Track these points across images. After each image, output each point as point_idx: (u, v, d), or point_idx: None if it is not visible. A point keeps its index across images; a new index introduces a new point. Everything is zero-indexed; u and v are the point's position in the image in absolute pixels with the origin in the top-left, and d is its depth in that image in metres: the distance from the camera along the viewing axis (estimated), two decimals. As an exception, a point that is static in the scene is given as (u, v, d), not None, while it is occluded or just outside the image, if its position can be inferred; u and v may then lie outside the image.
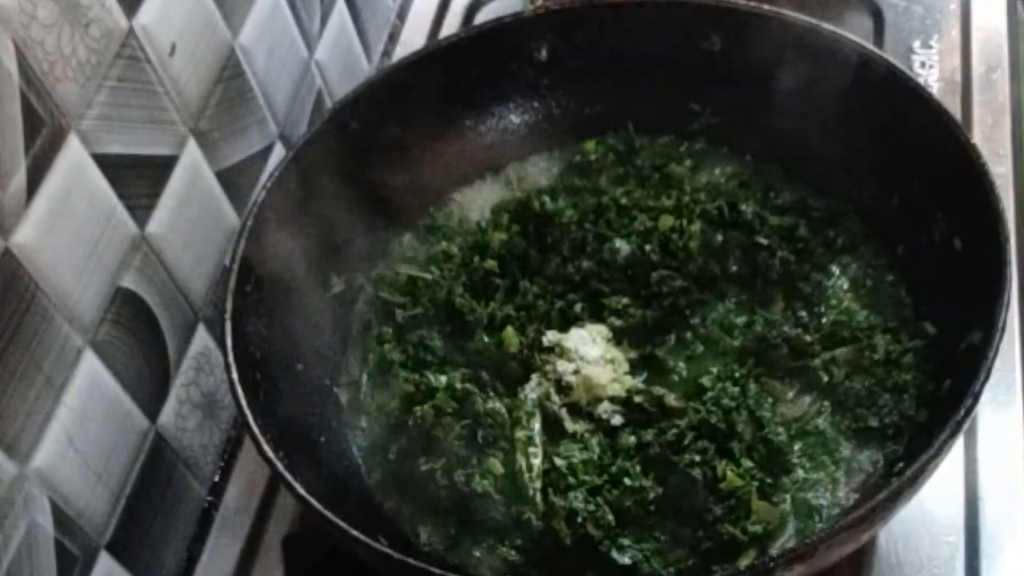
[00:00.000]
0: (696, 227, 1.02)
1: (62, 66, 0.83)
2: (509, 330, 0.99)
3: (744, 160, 1.11)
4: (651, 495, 0.88)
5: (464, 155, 1.14)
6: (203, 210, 1.03)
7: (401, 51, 1.38)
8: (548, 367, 0.97)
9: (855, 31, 1.07)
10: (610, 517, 0.87)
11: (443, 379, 0.96)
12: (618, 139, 1.14)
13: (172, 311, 0.99)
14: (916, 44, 1.25)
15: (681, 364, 0.98)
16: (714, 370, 0.96)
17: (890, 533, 0.92)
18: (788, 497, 0.88)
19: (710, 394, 0.92)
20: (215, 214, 1.06)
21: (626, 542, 0.87)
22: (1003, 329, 0.82)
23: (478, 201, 1.14)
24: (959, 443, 0.92)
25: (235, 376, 0.88)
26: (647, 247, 1.02)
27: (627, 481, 0.88)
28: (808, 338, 0.96)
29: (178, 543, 1.02)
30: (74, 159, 0.85)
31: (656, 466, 0.89)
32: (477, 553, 0.90)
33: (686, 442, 0.89)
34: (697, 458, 0.88)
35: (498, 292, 1.03)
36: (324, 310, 1.04)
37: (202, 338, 1.04)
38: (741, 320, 1.00)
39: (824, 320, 0.98)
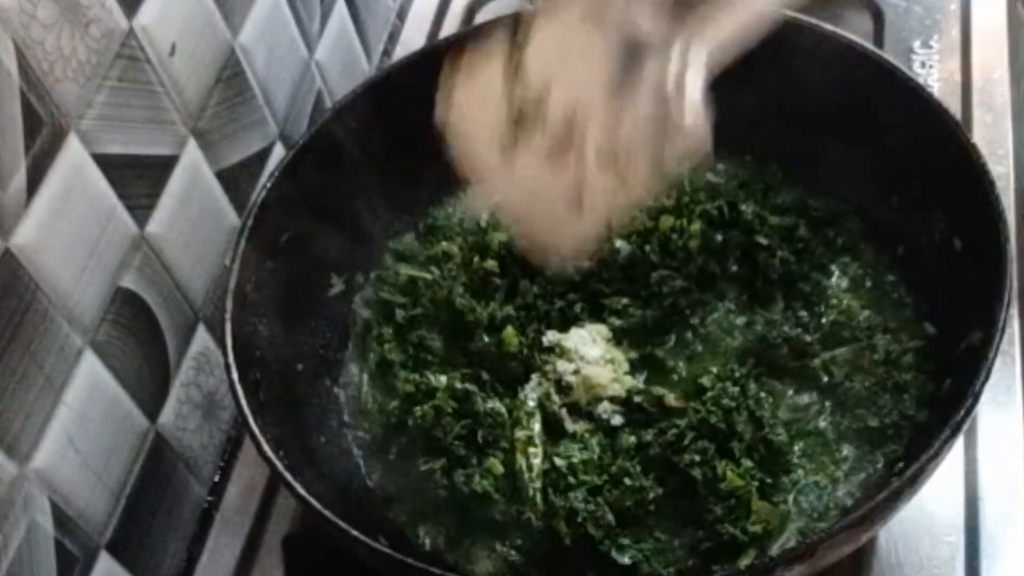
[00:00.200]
0: (696, 227, 1.02)
1: (62, 66, 0.83)
2: (509, 330, 0.99)
3: (744, 160, 1.10)
4: (651, 495, 0.88)
5: (464, 155, 1.14)
6: (203, 210, 1.03)
7: (401, 51, 1.37)
8: (548, 367, 0.97)
9: (855, 31, 1.07)
10: (610, 517, 0.87)
11: (443, 379, 0.96)
12: (618, 139, 1.14)
13: (172, 311, 0.99)
14: (916, 44, 1.25)
15: (681, 364, 0.98)
16: (714, 370, 0.96)
17: (890, 533, 0.92)
18: (788, 497, 0.88)
19: (710, 394, 0.92)
20: (215, 214, 1.06)
21: (626, 542, 0.87)
22: (1003, 329, 0.81)
23: (478, 201, 1.13)
24: (959, 443, 0.92)
25: (235, 376, 0.88)
26: (647, 247, 1.02)
27: (627, 481, 0.88)
28: (808, 338, 0.96)
29: (178, 543, 1.02)
30: (74, 159, 0.85)
31: (656, 466, 0.89)
32: (477, 553, 0.90)
33: (686, 442, 0.89)
34: (697, 458, 0.88)
35: (498, 292, 1.02)
36: (324, 310, 1.04)
37: (202, 338, 1.04)
38: (741, 320, 1.00)
39: (824, 320, 0.98)
